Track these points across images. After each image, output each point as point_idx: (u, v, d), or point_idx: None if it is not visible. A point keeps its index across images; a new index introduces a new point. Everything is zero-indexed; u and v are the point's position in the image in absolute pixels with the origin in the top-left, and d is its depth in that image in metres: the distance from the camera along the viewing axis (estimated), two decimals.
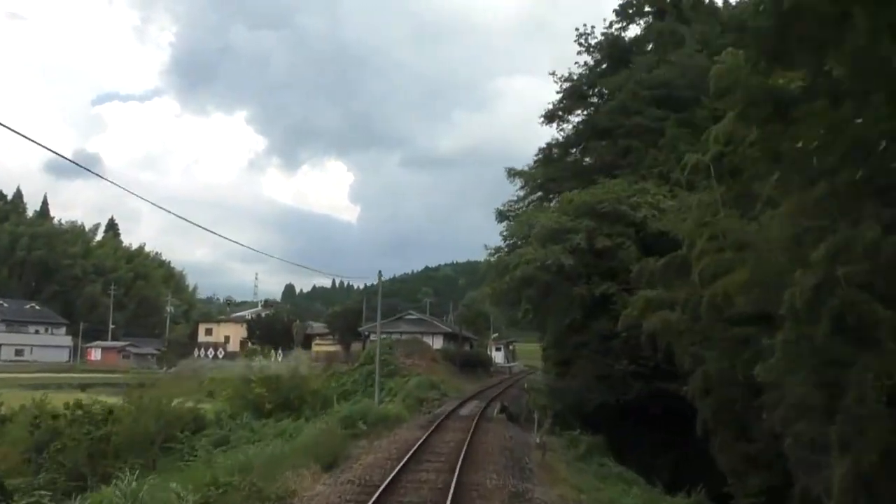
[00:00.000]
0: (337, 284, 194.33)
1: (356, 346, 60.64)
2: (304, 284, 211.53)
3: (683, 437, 20.55)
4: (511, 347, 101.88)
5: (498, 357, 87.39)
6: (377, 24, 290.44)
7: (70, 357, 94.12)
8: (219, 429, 25.84)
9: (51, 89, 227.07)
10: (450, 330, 58.71)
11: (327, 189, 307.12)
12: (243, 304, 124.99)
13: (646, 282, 20.10)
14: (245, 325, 72.64)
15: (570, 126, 41.36)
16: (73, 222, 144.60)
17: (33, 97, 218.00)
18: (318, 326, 68.47)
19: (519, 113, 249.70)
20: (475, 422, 24.22)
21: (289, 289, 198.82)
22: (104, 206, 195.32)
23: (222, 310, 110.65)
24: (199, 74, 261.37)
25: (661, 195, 26.97)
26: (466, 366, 60.20)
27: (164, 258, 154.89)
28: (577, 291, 25.85)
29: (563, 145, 42.05)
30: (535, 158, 43.09)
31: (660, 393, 23.35)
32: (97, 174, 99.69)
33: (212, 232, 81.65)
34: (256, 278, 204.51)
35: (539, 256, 26.05)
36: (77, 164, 56.25)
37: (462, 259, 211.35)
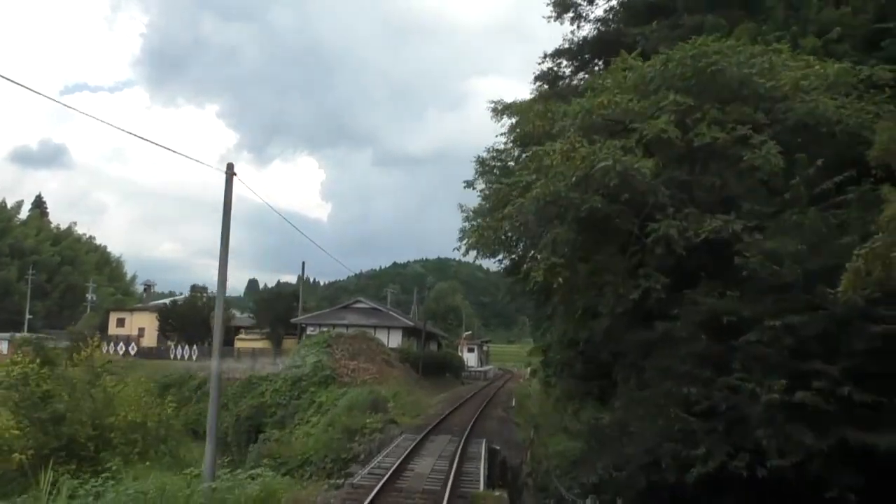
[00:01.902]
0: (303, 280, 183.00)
1: (290, 342, 46.51)
2: (268, 279, 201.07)
3: None
4: (485, 348, 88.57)
5: (471, 359, 73.97)
6: (350, 21, 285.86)
7: None
8: None
9: (18, 78, 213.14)
10: (411, 324, 45.29)
11: (298, 186, 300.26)
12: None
13: None
14: (157, 316, 57.87)
15: (592, 23, 27.92)
16: None
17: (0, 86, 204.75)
18: (244, 318, 54.40)
19: (490, 113, 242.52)
20: None
21: (252, 284, 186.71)
22: (71, 199, 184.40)
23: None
24: (169, 66, 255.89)
25: (806, 63, 13.77)
26: (432, 370, 46.65)
27: (98, 242, 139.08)
28: (659, 227, 12.39)
29: (579, 54, 28.59)
30: (533, 90, 29.66)
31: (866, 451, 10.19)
32: None
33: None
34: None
35: (581, 162, 12.58)
36: None
37: (432, 256, 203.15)
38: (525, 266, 14.66)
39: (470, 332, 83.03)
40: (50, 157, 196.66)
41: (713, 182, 13.20)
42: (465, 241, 18.20)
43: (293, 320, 46.39)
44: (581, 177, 12.97)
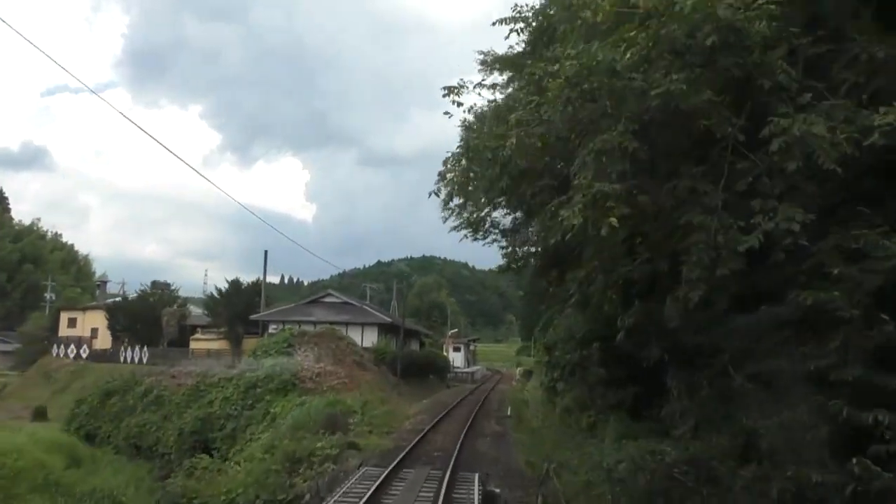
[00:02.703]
0: (286, 280, 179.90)
1: (252, 342, 40.54)
2: (251, 280, 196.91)
3: None
4: (472, 347, 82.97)
5: (457, 359, 68.37)
6: (333, 21, 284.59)
7: None
8: None
9: None
10: (388, 320, 39.53)
11: (283, 186, 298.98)
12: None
13: None
14: (106, 314, 51.53)
15: None
16: None
17: None
18: (202, 315, 48.36)
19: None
20: None
21: (234, 284, 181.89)
22: (53, 201, 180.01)
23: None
24: (151, 67, 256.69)
25: None
26: (413, 372, 40.95)
27: (65, 240, 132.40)
28: (793, 124, 6.68)
29: None
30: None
31: None
32: None
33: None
34: (206, 275, 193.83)
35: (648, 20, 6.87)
36: None
37: (417, 255, 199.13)
38: (550, 209, 8.96)
39: (456, 330, 77.46)
40: (31, 159, 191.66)
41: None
42: (443, 185, 12.60)
43: (252, 317, 40.50)
44: (646, 44, 7.38)
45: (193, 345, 43.41)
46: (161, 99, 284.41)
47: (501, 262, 29.91)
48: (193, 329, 46.74)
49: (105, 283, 65.55)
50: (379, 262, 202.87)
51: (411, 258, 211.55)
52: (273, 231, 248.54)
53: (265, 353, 32.69)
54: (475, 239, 30.35)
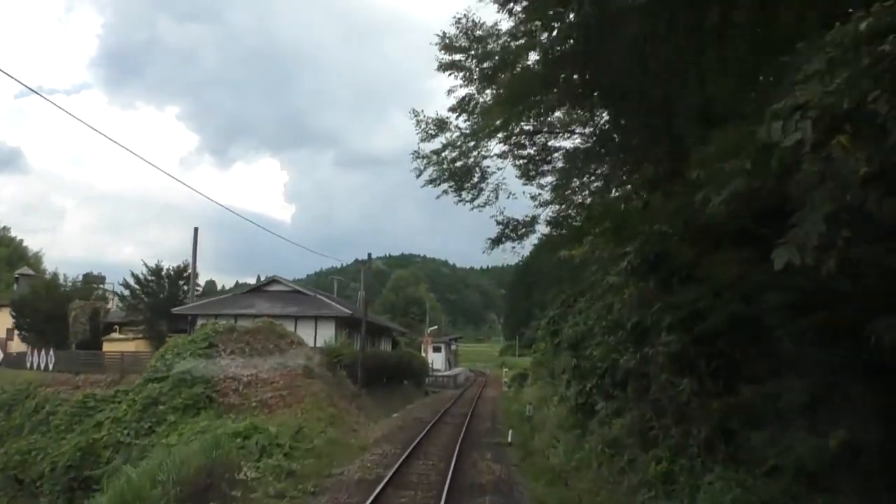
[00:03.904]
0: (262, 279, 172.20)
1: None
2: (227, 282, 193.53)
3: None
4: (454, 347, 74.65)
5: (437, 360, 60.05)
6: (310, 21, 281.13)
7: None
8: None
9: None
10: (348, 312, 30.84)
11: (262, 188, 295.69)
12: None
13: None
14: (11, 311, 42.24)
15: None
16: None
17: None
18: (118, 312, 39.35)
19: None
20: None
21: (209, 285, 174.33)
22: (28, 203, 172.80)
23: None
24: (127, 68, 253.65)
25: None
26: (382, 378, 32.61)
27: (12, 234, 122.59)
28: None
29: None
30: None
31: None
32: None
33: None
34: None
35: None
36: None
37: (396, 253, 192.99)
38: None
39: (436, 328, 69.14)
40: (5, 161, 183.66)
41: None
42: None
43: (175, 310, 31.79)
44: None
45: (107, 346, 34.57)
46: (137, 100, 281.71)
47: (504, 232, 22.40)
48: (111, 327, 37.84)
49: (26, 275, 56.05)
50: (357, 261, 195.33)
51: (390, 256, 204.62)
52: (251, 232, 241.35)
53: (177, 355, 24.11)
54: (459, 196, 22.10)
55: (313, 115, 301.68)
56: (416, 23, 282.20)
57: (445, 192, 22.80)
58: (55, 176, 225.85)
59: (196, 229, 32.92)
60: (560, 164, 24.93)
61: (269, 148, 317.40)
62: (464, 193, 23.02)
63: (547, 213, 24.24)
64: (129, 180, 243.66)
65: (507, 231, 23.51)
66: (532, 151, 24.42)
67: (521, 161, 24.46)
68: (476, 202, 23.62)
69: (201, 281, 42.49)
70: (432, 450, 17.96)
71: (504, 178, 23.64)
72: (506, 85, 15.77)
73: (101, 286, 47.70)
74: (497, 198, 23.59)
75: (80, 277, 48.70)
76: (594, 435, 14.02)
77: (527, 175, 24.60)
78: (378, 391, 31.74)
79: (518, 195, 24.56)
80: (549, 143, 24.46)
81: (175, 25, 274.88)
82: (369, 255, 30.60)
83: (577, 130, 23.83)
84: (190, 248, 32.56)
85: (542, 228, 24.90)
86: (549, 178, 24.89)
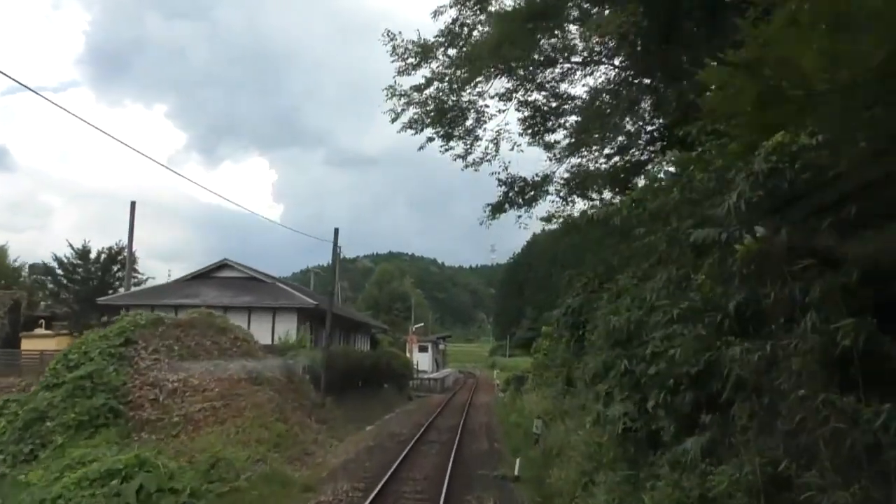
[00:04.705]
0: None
1: None
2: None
3: None
4: (441, 347, 69.24)
5: (423, 361, 54.65)
6: (299, 20, 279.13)
7: None
8: None
9: None
10: (313, 304, 25.21)
11: (250, 186, 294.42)
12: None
13: None
14: None
15: None
16: None
17: None
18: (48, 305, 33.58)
19: None
20: None
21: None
22: (15, 201, 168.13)
23: None
24: (114, 66, 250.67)
25: None
26: (355, 383, 27.24)
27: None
28: None
29: None
30: None
31: None
32: None
33: None
34: (169, 275, 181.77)
35: None
36: None
37: (383, 251, 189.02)
38: None
39: (422, 325, 63.64)
40: None
41: None
42: None
43: (101, 300, 26.11)
44: None
45: (25, 344, 28.88)
46: (125, 98, 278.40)
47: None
48: (37, 321, 32.11)
49: None
50: (344, 259, 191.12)
51: (377, 254, 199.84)
52: (240, 232, 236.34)
53: (84, 354, 18.56)
54: (448, 145, 16.79)
55: (303, 113, 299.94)
56: (406, 22, 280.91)
57: (430, 139, 17.53)
58: (42, 174, 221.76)
59: (133, 203, 27.37)
60: (575, 119, 19.71)
61: (257, 147, 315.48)
62: (454, 142, 17.78)
63: (562, 170, 19.02)
64: (118, 178, 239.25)
65: (511, 194, 18.26)
66: (541, 98, 19.13)
67: (526, 112, 19.23)
68: (470, 157, 18.37)
69: (163, 273, 36.48)
70: (408, 490, 12.60)
71: (507, 125, 18.40)
72: None
73: (41, 276, 41.86)
74: (498, 150, 18.31)
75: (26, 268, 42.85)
76: (664, 484, 8.66)
77: (533, 131, 19.35)
78: (350, 398, 26.32)
79: (525, 148, 19.28)
80: (562, 90, 19.22)
81: (163, 22, 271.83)
82: (336, 230, 25.13)
83: (602, 64, 18.57)
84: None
85: (555, 195, 19.73)
86: (560, 136, 19.69)
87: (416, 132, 16.92)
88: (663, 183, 9.58)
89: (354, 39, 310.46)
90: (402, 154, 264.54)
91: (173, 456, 13.87)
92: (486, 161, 17.60)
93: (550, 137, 19.27)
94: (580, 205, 20.62)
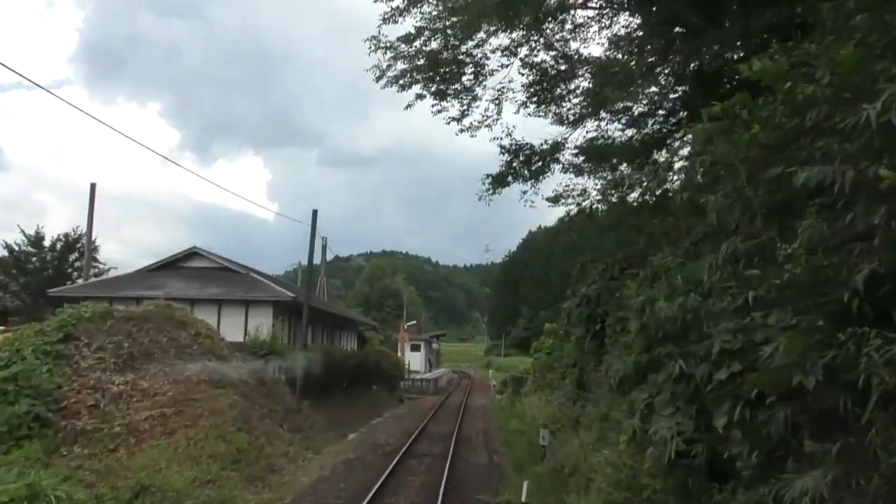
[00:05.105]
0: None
1: None
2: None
3: None
4: (435, 346, 66.56)
5: (415, 361, 52.00)
6: (294, 19, 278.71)
7: None
8: None
9: None
10: (290, 296, 22.55)
11: (244, 186, 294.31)
12: None
13: None
14: None
15: None
16: None
17: None
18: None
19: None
20: None
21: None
22: (9, 200, 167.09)
23: None
24: (108, 64, 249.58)
25: None
26: (340, 384, 24.66)
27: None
28: None
29: None
30: None
31: None
32: None
33: None
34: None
35: None
36: None
37: (377, 249, 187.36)
38: None
39: (414, 322, 60.93)
40: None
41: None
42: None
43: (52, 292, 23.28)
44: None
45: None
46: (119, 96, 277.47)
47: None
48: None
49: None
50: (337, 258, 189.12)
51: (371, 253, 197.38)
52: (235, 231, 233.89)
53: (17, 353, 15.83)
54: (441, 105, 14.16)
55: (297, 113, 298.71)
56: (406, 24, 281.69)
57: (420, 96, 14.87)
58: (37, 172, 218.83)
59: (93, 185, 24.60)
60: (587, 84, 17.12)
61: (251, 146, 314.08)
62: (448, 101, 15.11)
63: (576, 136, 16.41)
64: (110, 177, 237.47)
65: (515, 164, 15.64)
66: (548, 59, 16.46)
67: (531, 76, 16.63)
68: (467, 119, 15.74)
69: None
70: None
71: (511, 82, 15.73)
72: None
73: None
74: (500, 112, 15.69)
75: None
76: None
77: (539, 98, 16.74)
78: (332, 402, 23.68)
79: (530, 119, 16.64)
80: (573, 49, 16.59)
81: (158, 20, 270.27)
82: (314, 212, 22.46)
83: (623, 11, 16.00)
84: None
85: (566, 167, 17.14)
86: (569, 106, 17.07)
87: (403, 89, 14.27)
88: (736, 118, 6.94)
89: (350, 39, 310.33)
90: (397, 154, 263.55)
91: (99, 477, 11.23)
92: (486, 126, 14.96)
93: (559, 108, 16.64)
94: (591, 184, 18.10)
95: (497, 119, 15.08)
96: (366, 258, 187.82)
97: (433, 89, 14.24)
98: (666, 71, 15.55)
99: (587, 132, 15.57)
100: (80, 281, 25.32)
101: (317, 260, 26.16)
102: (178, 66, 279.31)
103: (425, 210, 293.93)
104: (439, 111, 14.86)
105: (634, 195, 16.74)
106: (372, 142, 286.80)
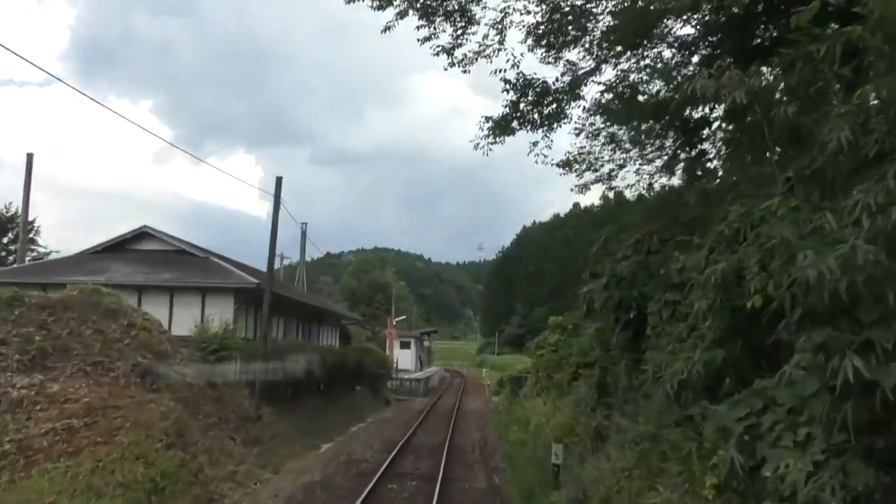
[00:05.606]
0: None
1: None
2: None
3: None
4: (426, 343, 63.26)
5: (404, 359, 48.72)
6: (288, 17, 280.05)
7: None
8: None
9: None
10: (254, 283, 19.41)
11: (236, 184, 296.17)
12: None
13: None
14: None
15: None
16: None
17: None
18: None
19: (430, 111, 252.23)
20: None
21: None
22: None
23: None
24: (100, 61, 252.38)
25: None
26: (316, 386, 21.46)
27: None
28: None
29: None
30: None
31: None
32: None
33: None
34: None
35: None
36: None
37: (369, 246, 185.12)
38: None
39: (404, 318, 57.54)
40: None
41: None
42: None
43: None
44: None
45: None
46: (110, 94, 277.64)
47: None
48: None
49: None
50: (328, 254, 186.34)
51: (363, 250, 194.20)
52: (226, 228, 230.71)
53: None
54: (429, 29, 10.68)
55: (290, 111, 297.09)
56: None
57: (401, 14, 11.56)
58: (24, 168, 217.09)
59: (30, 156, 21.24)
60: (606, 23, 13.88)
61: (244, 144, 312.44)
62: (438, 25, 11.83)
63: (608, 73, 13.14)
64: (103, 175, 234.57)
65: (522, 105, 12.35)
66: None
67: (539, 16, 13.33)
68: (461, 50, 12.45)
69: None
70: None
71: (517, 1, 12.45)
72: None
73: None
74: (503, 41, 12.41)
75: None
76: None
77: (548, 42, 13.47)
78: (304, 406, 20.42)
79: (537, 63, 13.36)
80: None
81: (150, 17, 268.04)
82: (279, 178, 19.10)
83: None
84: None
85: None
86: (581, 54, 13.80)
87: (381, 7, 10.96)
88: None
89: (343, 38, 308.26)
90: (389, 153, 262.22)
91: None
92: (485, 57, 11.66)
93: (569, 53, 13.36)
94: (607, 154, 14.93)
95: (499, 49, 11.81)
96: (356, 254, 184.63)
97: (418, 4, 10.93)
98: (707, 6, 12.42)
99: (608, 80, 12.37)
100: (15, 266, 21.89)
101: (293, 246, 22.80)
102: (170, 63, 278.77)
103: (418, 209, 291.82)
104: (426, 38, 11.58)
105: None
106: (365, 140, 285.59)
